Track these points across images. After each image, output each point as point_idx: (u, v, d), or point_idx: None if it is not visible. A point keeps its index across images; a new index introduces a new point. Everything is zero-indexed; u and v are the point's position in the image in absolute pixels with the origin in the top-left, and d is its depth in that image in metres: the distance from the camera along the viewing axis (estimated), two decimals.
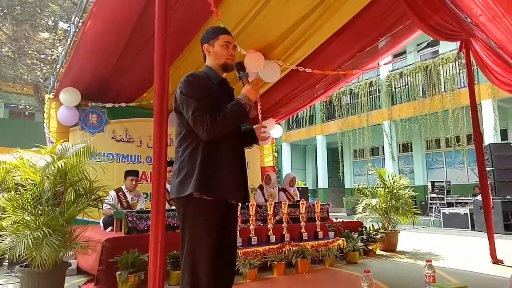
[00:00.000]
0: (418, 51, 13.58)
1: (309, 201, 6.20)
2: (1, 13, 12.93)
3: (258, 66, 5.25)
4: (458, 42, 5.04)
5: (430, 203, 11.25)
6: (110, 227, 4.54)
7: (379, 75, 14.57)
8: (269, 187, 6.63)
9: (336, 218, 5.49)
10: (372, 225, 5.77)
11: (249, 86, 2.03)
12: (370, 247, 5.32)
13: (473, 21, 4.41)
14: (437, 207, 10.72)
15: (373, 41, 5.52)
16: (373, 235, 5.44)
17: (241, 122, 2.05)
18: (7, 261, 4.35)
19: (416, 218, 6.34)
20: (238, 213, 3.93)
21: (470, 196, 10.43)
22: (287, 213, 4.75)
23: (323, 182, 16.42)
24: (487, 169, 7.45)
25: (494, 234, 4.86)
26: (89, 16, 4.18)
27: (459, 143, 11.74)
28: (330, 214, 5.77)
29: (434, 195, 11.28)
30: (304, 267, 4.27)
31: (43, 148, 3.34)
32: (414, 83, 12.99)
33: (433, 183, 11.72)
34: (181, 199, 1.89)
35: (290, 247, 4.39)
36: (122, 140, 6.57)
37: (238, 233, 4.04)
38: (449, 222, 9.56)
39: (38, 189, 3.09)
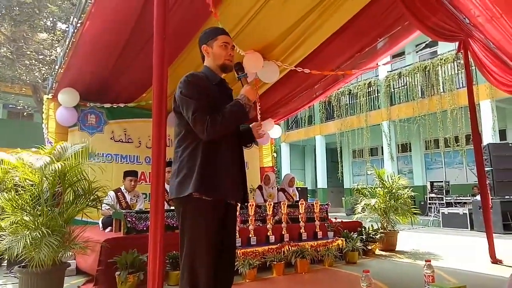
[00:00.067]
0: (417, 52, 13.59)
1: (308, 201, 6.20)
2: (0, 14, 12.91)
3: (257, 67, 5.25)
4: (457, 43, 5.05)
5: (429, 203, 11.26)
6: (109, 228, 4.54)
7: (378, 75, 14.59)
8: (268, 187, 6.63)
9: (335, 218, 5.49)
10: (371, 225, 5.77)
11: (248, 86, 2.03)
12: (369, 247, 5.33)
13: (471, 22, 4.42)
14: (436, 207, 10.74)
15: (372, 41, 5.53)
16: (372, 235, 5.44)
17: (241, 123, 2.05)
18: (6, 261, 4.35)
19: (415, 218, 6.35)
20: (237, 213, 3.94)
21: (469, 196, 10.44)
22: (286, 213, 4.75)
23: (322, 182, 16.42)
24: (486, 169, 7.46)
25: (493, 234, 4.87)
26: (87, 16, 4.18)
27: (458, 143, 11.76)
28: (329, 214, 5.77)
29: (433, 195, 11.31)
30: (303, 267, 4.28)
31: (42, 149, 3.33)
32: (413, 83, 13.01)
33: (432, 183, 11.74)
34: (180, 199, 1.89)
35: (290, 247, 4.39)
36: (121, 140, 6.57)
37: (237, 233, 4.04)
38: (448, 222, 9.58)
39: (37, 189, 3.09)
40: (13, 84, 14.75)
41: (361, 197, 6.49)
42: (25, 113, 18.79)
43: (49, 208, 3.08)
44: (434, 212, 10.74)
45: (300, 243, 4.54)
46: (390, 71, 14.02)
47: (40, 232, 2.89)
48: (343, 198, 15.61)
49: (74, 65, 5.17)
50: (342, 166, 16.34)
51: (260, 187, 6.66)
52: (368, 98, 14.66)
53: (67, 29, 11.12)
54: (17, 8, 12.87)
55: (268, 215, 4.57)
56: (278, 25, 4.79)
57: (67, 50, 5.18)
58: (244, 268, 3.85)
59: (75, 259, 4.22)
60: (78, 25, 4.58)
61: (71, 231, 3.22)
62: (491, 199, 7.32)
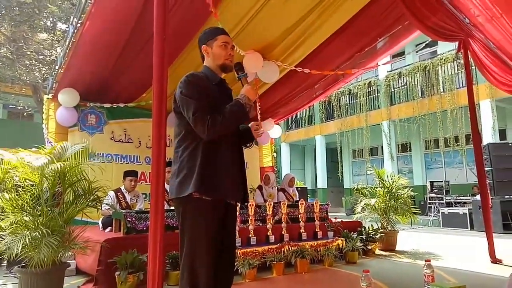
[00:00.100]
0: (417, 52, 13.59)
1: (308, 201, 6.20)
2: (0, 14, 12.91)
3: (257, 67, 5.25)
4: (457, 43, 5.05)
5: (429, 203, 11.26)
6: (109, 228, 4.54)
7: (377, 75, 14.59)
8: (268, 187, 6.63)
9: (335, 218, 5.49)
10: (371, 225, 5.78)
11: (248, 86, 2.03)
12: (369, 247, 5.33)
13: (471, 22, 4.42)
14: (436, 207, 10.74)
15: (371, 41, 5.53)
16: (372, 235, 5.45)
17: (241, 122, 2.05)
18: (6, 261, 4.35)
19: (415, 218, 6.34)
20: (237, 213, 3.94)
21: (469, 195, 10.44)
22: (286, 213, 4.76)
23: (322, 182, 16.42)
24: (486, 169, 7.46)
25: (493, 234, 4.87)
26: (87, 16, 4.18)
27: (458, 143, 11.76)
28: (329, 214, 5.77)
29: (433, 195, 11.31)
30: (303, 267, 4.28)
31: (42, 149, 3.34)
32: (413, 83, 13.01)
33: (432, 183, 11.74)
34: (180, 199, 1.89)
35: (289, 247, 4.39)
36: (121, 140, 6.57)
37: (237, 233, 4.04)
38: (448, 221, 9.58)
39: (37, 189, 3.09)
40: (13, 84, 14.75)
41: (361, 197, 6.49)
42: (25, 113, 18.80)
43: (49, 208, 3.08)
44: (434, 212, 10.74)
45: (300, 243, 4.54)
46: (390, 71, 14.02)
47: (40, 232, 2.89)
48: (343, 198, 15.61)
49: (74, 65, 5.17)
50: (342, 166, 16.34)
51: (260, 187, 6.66)
52: (368, 98, 14.66)
53: (67, 29, 11.12)
54: (17, 8, 12.87)
55: (268, 215, 4.57)
56: (278, 25, 4.79)
57: (67, 50, 5.19)
58: (244, 268, 3.85)
59: (75, 259, 4.22)
60: (78, 25, 4.58)
61: (71, 231, 3.22)
62: (491, 198, 7.32)
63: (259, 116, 5.91)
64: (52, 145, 4.39)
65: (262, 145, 8.53)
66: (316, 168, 17.08)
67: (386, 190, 6.13)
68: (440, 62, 12.21)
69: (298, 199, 6.33)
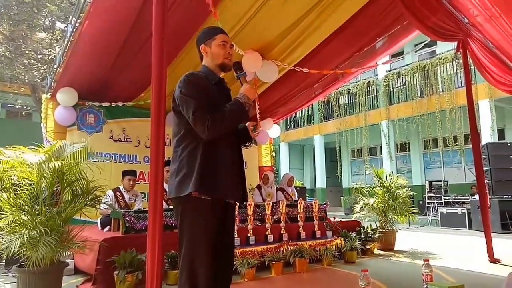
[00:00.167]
0: (416, 51, 13.60)
1: (307, 200, 6.21)
2: None
3: (256, 66, 5.25)
4: (456, 43, 5.06)
5: (428, 203, 11.27)
6: (108, 227, 4.53)
7: (376, 75, 14.59)
8: (267, 186, 6.63)
9: (334, 218, 5.50)
10: (370, 224, 5.78)
11: (247, 85, 2.02)
12: (368, 247, 5.34)
13: (470, 22, 4.43)
14: (435, 207, 10.75)
15: (370, 41, 5.53)
16: (371, 234, 5.45)
17: (241, 122, 2.05)
18: (4, 261, 4.34)
19: (413, 218, 6.35)
20: (236, 212, 3.95)
21: (468, 195, 10.46)
22: (285, 212, 4.76)
23: (321, 182, 16.43)
24: (485, 168, 7.47)
25: (491, 233, 4.88)
26: (86, 16, 4.17)
27: (457, 143, 11.77)
28: (328, 213, 5.78)
29: (431, 194, 11.31)
30: (302, 267, 4.28)
31: (41, 148, 3.33)
32: (412, 83, 13.01)
33: (430, 182, 11.75)
34: (179, 198, 1.89)
35: (288, 246, 4.39)
36: (119, 140, 6.56)
37: (236, 233, 4.04)
38: (446, 221, 9.60)
39: (35, 188, 3.08)
40: (11, 83, 14.70)
41: (360, 197, 6.50)
42: (23, 113, 18.72)
43: (47, 207, 3.07)
44: (432, 211, 10.76)
45: (298, 243, 4.54)
46: (389, 71, 14.02)
47: (38, 231, 2.89)
48: (342, 197, 15.62)
49: (73, 65, 5.17)
50: (341, 165, 16.34)
51: (259, 187, 6.66)
52: (367, 98, 14.66)
53: (66, 28, 11.10)
54: (16, 8, 12.83)
55: (266, 215, 4.57)
56: (278, 24, 4.79)
57: (65, 50, 5.18)
58: (242, 267, 3.85)
59: (73, 259, 4.21)
60: (77, 24, 4.58)
61: (69, 230, 3.22)
62: (490, 198, 7.36)
63: (258, 116, 5.90)
64: (50, 144, 4.38)
65: (261, 145, 8.52)
66: (315, 167, 17.08)
67: (385, 189, 6.14)
68: (439, 62, 12.21)
69: (297, 198, 6.33)
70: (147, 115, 2.48)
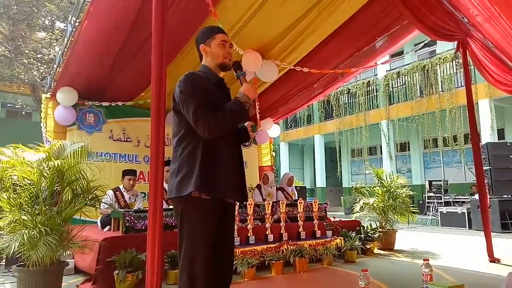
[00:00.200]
0: (416, 51, 13.60)
1: (307, 200, 6.21)
2: None
3: (255, 66, 5.25)
4: (455, 42, 5.06)
5: (428, 202, 11.27)
6: (108, 227, 4.54)
7: (376, 74, 14.58)
8: (267, 186, 6.64)
9: (334, 217, 5.51)
10: (370, 224, 5.78)
11: (247, 84, 2.02)
12: (368, 246, 5.34)
13: (470, 21, 4.43)
14: (435, 206, 10.76)
15: (370, 41, 5.52)
16: (371, 234, 5.45)
17: (241, 121, 2.05)
18: (4, 260, 4.34)
19: (413, 217, 6.35)
20: (236, 212, 3.95)
21: (468, 195, 10.47)
22: (285, 212, 4.76)
23: (321, 182, 16.43)
24: (484, 168, 7.48)
25: (491, 233, 4.88)
26: (86, 15, 4.17)
27: (457, 143, 11.77)
28: (328, 213, 5.78)
29: (431, 194, 11.31)
30: (302, 266, 4.28)
31: (41, 147, 3.33)
32: (412, 82, 13.01)
33: (430, 182, 11.75)
34: (180, 198, 1.89)
35: (288, 246, 4.39)
36: (119, 139, 6.56)
37: (236, 232, 4.04)
38: (446, 221, 9.60)
39: (36, 188, 3.08)
40: (11, 83, 14.71)
41: (360, 196, 6.50)
42: (23, 112, 18.72)
43: (47, 207, 3.07)
44: (432, 211, 10.76)
45: (298, 242, 4.54)
46: (388, 70, 14.02)
47: (38, 231, 2.89)
48: (341, 197, 15.62)
49: (72, 64, 5.16)
50: (341, 165, 16.34)
51: (259, 186, 6.66)
52: (367, 97, 14.65)
53: (65, 28, 11.10)
54: (15, 7, 12.83)
55: (266, 214, 4.57)
56: (277, 24, 4.79)
57: (65, 49, 5.18)
58: (242, 267, 3.85)
59: (73, 258, 4.22)
60: (77, 24, 4.58)
61: (69, 230, 3.22)
62: (489, 198, 7.36)
63: (258, 115, 5.91)
64: (50, 143, 4.37)
65: (261, 144, 8.52)
66: (315, 167, 17.08)
67: (384, 189, 6.14)
68: (438, 61, 12.21)
69: (297, 198, 6.33)
70: (147, 115, 2.48)
